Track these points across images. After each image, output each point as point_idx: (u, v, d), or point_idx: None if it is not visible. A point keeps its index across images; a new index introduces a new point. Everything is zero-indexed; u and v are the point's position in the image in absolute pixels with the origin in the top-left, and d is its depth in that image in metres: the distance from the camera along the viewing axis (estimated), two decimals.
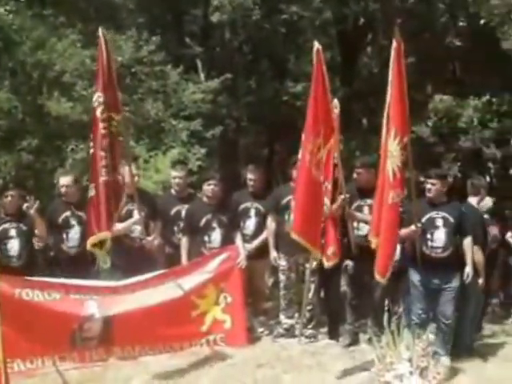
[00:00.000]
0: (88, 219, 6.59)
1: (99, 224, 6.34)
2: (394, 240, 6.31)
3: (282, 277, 7.50)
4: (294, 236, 6.57)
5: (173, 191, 7.92)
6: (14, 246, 7.05)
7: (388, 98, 6.17)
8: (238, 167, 13.12)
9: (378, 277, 6.27)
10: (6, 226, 7.08)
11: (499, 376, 6.40)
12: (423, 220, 6.65)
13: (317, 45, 6.46)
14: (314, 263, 7.10)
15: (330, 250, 6.73)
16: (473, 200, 7.23)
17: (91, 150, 6.52)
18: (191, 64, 12.90)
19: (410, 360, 5.08)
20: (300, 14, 9.19)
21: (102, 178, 6.34)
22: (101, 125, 6.35)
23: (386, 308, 7.36)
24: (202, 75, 12.75)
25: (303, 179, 6.58)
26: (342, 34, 12.94)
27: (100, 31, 6.40)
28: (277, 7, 9.38)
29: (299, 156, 6.59)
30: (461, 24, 9.56)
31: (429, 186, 6.70)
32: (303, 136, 6.56)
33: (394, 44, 6.04)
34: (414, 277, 6.78)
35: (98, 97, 6.39)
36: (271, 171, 13.86)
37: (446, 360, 6.52)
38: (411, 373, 5.02)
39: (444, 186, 6.76)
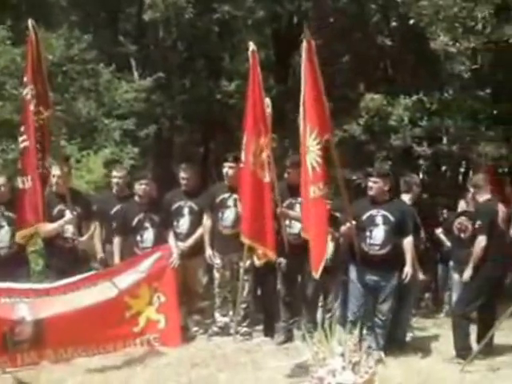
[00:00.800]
0: (20, 211, 6.52)
1: (36, 215, 6.35)
2: (323, 234, 6.31)
3: (216, 275, 7.51)
4: (244, 240, 6.63)
5: (114, 191, 7.86)
6: None
7: (302, 97, 6.16)
8: (173, 166, 13.03)
9: (313, 272, 6.29)
10: None
11: (430, 368, 6.54)
12: (363, 218, 6.74)
13: (252, 46, 6.50)
14: (248, 261, 7.13)
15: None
16: (405, 197, 7.35)
17: (25, 143, 6.43)
18: (125, 63, 12.78)
19: (342, 355, 5.10)
20: (232, 14, 9.18)
21: (38, 171, 6.34)
22: (34, 117, 6.31)
23: (321, 304, 7.52)
24: (136, 74, 12.64)
25: (249, 181, 6.64)
26: (276, 32, 13.01)
27: (30, 23, 6.29)
28: (210, 6, 9.35)
29: (242, 158, 6.62)
30: (392, 24, 9.71)
31: (370, 184, 6.78)
32: (244, 137, 6.61)
33: (305, 44, 6.05)
34: (352, 273, 6.86)
35: (29, 89, 6.32)
36: (207, 169, 13.85)
37: (379, 354, 6.63)
38: (344, 368, 5.03)
39: (386, 184, 6.83)
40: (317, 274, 6.24)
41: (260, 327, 7.72)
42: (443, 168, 12.58)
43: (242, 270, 7.18)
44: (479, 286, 6.90)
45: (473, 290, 7.01)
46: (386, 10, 9.47)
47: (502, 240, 6.91)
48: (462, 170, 13.47)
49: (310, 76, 6.10)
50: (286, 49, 13.18)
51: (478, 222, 7.02)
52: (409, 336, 7.59)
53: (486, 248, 6.78)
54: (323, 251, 6.24)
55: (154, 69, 12.25)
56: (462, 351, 6.76)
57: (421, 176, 11.83)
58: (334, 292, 7.41)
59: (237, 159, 7.17)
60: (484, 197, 7.05)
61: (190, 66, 13.70)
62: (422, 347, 7.30)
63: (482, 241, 6.80)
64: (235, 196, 7.25)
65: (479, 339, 6.94)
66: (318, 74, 6.12)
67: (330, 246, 7.46)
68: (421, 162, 10.84)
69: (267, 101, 6.90)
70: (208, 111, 12.99)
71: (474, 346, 6.85)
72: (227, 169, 7.39)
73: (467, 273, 6.98)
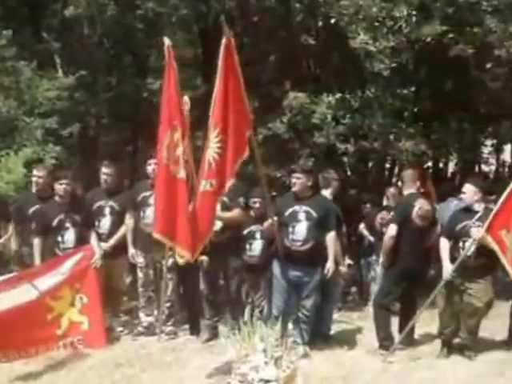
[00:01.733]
0: None
1: None
2: (205, 226, 6.27)
3: (140, 274, 7.47)
4: (157, 236, 6.56)
5: (34, 190, 7.72)
6: None
7: (215, 93, 6.15)
8: (100, 165, 12.83)
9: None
10: None
11: (354, 360, 6.70)
12: (286, 214, 6.79)
13: (167, 41, 6.48)
14: (171, 260, 7.11)
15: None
16: (326, 192, 7.46)
17: None
18: (49, 60, 12.50)
19: (264, 351, 5.14)
20: (156, 11, 9.11)
21: None
22: None
23: (250, 301, 7.56)
24: (61, 71, 12.38)
25: (162, 176, 6.60)
26: (203, 31, 12.97)
27: None
28: (133, 3, 9.25)
29: (158, 152, 6.58)
30: (316, 23, 9.81)
31: (294, 180, 6.83)
32: (160, 131, 6.56)
33: (225, 41, 6.04)
34: (276, 269, 6.91)
35: None
36: (135, 168, 13.70)
37: (304, 349, 6.70)
38: (266, 363, 5.08)
39: (309, 180, 6.91)
40: (181, 260, 6.38)
41: (186, 326, 7.71)
42: (370, 164, 12.79)
43: (164, 269, 7.16)
44: (396, 277, 7.08)
45: (390, 281, 7.19)
46: (310, 9, 9.55)
47: (418, 235, 7.04)
48: (388, 166, 13.77)
49: (228, 73, 6.08)
50: (214, 47, 13.15)
51: (392, 213, 7.34)
52: (334, 330, 7.71)
53: (399, 239, 6.94)
54: (202, 239, 6.25)
55: (78, 66, 12.03)
56: (385, 342, 6.93)
57: (349, 173, 12.08)
58: (263, 289, 7.48)
59: None
60: (408, 191, 7.25)
61: (117, 64, 13.53)
62: (346, 340, 7.44)
63: (391, 230, 6.99)
64: None
65: (401, 330, 7.12)
66: (237, 71, 6.11)
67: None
68: (344, 159, 11.02)
69: (186, 98, 6.90)
70: (135, 109, 12.86)
71: (397, 337, 7.01)
72: (150, 166, 7.34)
73: (381, 260, 7.23)
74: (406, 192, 7.29)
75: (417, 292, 7.35)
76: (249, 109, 6.31)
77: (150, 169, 7.33)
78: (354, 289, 10.39)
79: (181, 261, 6.78)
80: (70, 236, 7.11)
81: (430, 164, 15.95)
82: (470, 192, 6.69)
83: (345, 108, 9.26)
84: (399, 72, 10.12)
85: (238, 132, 6.14)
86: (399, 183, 7.43)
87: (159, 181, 6.67)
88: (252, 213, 7.45)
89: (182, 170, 6.50)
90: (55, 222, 7.10)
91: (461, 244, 6.54)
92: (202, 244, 6.30)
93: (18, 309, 6.54)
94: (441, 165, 18.79)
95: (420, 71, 10.92)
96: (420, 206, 6.99)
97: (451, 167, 19.84)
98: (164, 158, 6.57)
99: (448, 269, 6.51)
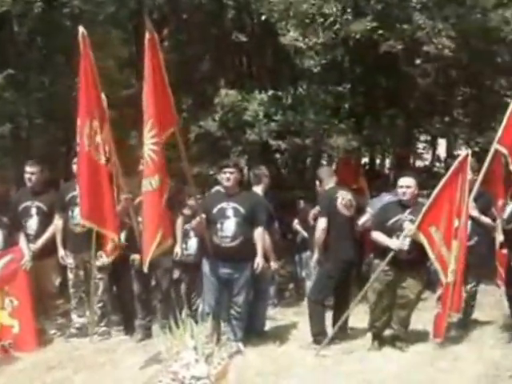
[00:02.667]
0: None
1: None
2: (154, 227, 6.27)
3: (70, 275, 7.37)
4: (84, 222, 6.56)
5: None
6: None
7: (144, 90, 6.15)
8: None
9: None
10: None
11: (287, 355, 6.74)
12: (214, 211, 6.77)
13: (81, 29, 6.45)
14: (101, 260, 7.06)
15: (110, 245, 6.73)
16: (257, 189, 7.50)
17: None
18: None
19: (195, 348, 5.14)
20: (82, 9, 8.98)
21: None
22: None
23: (186, 299, 7.54)
24: None
25: (84, 164, 6.59)
26: (137, 29, 12.84)
27: None
28: (59, 0, 9.09)
29: (77, 141, 6.53)
30: (248, 20, 9.83)
31: (227, 175, 6.79)
32: (78, 120, 6.53)
33: (148, 36, 6.03)
34: (206, 267, 6.89)
35: None
36: (70, 169, 13.48)
37: (237, 345, 6.73)
38: (197, 360, 5.07)
39: (239, 175, 6.96)
40: (145, 266, 6.27)
41: (120, 327, 7.65)
42: (308, 161, 12.88)
43: (94, 269, 7.10)
44: (328, 271, 7.17)
45: (323, 276, 7.28)
46: (241, 5, 9.56)
47: (347, 225, 7.19)
48: (325, 162, 13.90)
49: (153, 70, 6.06)
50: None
51: (317, 208, 7.45)
52: (268, 326, 7.75)
53: (329, 232, 7.05)
54: (152, 241, 6.22)
55: (8, 65, 11.78)
56: (318, 336, 6.98)
57: (282, 170, 12.15)
58: (198, 287, 7.47)
59: None
60: (327, 186, 7.37)
61: (49, 63, 13.29)
62: (281, 336, 7.45)
63: (320, 223, 7.10)
64: None
65: (334, 324, 7.19)
66: (161, 67, 6.11)
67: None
68: (277, 156, 11.08)
69: (102, 96, 6.86)
70: (68, 109, 12.65)
71: (330, 331, 7.08)
72: (75, 165, 7.23)
73: (314, 256, 7.29)
74: (326, 188, 7.42)
75: (351, 285, 7.48)
76: (174, 105, 6.29)
77: (75, 167, 7.25)
78: (291, 285, 10.44)
79: (107, 260, 6.71)
80: None
81: (366, 160, 16.20)
82: (409, 185, 6.71)
83: (277, 105, 9.29)
84: (334, 69, 10.22)
85: (164, 128, 6.17)
86: (316, 182, 7.59)
87: (82, 168, 6.66)
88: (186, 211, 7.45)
89: (102, 156, 6.56)
90: None
91: (394, 238, 6.59)
92: (154, 245, 6.23)
93: None
94: (378, 161, 19.12)
95: (355, 68, 11.05)
96: (342, 196, 7.18)
97: (388, 163, 20.17)
98: (86, 146, 6.56)
99: (395, 242, 6.52)
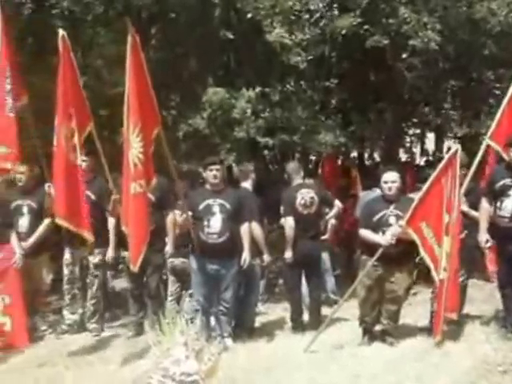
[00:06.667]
0: None
1: None
2: (143, 229, 6.37)
3: (65, 271, 7.43)
4: (59, 220, 6.59)
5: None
6: None
7: (127, 92, 6.17)
8: None
9: (131, 266, 6.39)
10: None
11: (276, 351, 6.77)
12: (200, 208, 6.77)
13: (61, 32, 6.51)
14: (98, 257, 7.11)
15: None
16: (246, 185, 7.58)
17: None
18: None
19: (185, 344, 5.19)
20: (71, 9, 8.98)
21: None
22: None
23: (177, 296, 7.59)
24: None
25: (62, 164, 6.60)
26: (126, 28, 12.82)
27: None
28: (48, 2, 9.05)
29: (54, 142, 6.58)
30: (234, 18, 9.83)
31: (214, 172, 6.80)
32: (56, 121, 6.56)
33: (130, 38, 6.08)
34: (193, 263, 6.89)
35: None
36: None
37: (227, 341, 6.80)
38: (187, 357, 5.13)
39: (224, 172, 7.06)
40: (135, 267, 6.34)
41: (112, 323, 7.72)
42: (297, 157, 12.92)
43: (91, 265, 7.15)
44: (290, 266, 7.55)
45: (287, 269, 7.70)
46: (228, 4, 9.56)
47: (305, 222, 7.47)
48: (313, 158, 13.96)
49: (135, 71, 6.10)
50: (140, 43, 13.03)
51: (281, 207, 7.70)
52: (258, 321, 7.82)
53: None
54: (141, 245, 6.31)
55: None
56: (296, 321, 7.50)
57: (270, 166, 12.20)
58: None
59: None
60: (295, 182, 7.66)
61: (40, 64, 13.29)
62: (270, 332, 7.52)
63: (288, 221, 7.42)
64: None
65: (310, 312, 7.57)
66: (143, 68, 6.15)
67: None
68: (265, 152, 11.11)
69: None
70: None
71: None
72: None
73: (287, 253, 7.49)
74: (294, 184, 7.63)
75: (321, 276, 7.95)
76: (157, 106, 6.32)
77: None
78: (280, 281, 10.46)
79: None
80: None
81: (355, 154, 16.21)
82: (394, 180, 6.67)
83: (264, 102, 9.31)
84: (321, 65, 10.25)
85: (150, 131, 6.24)
86: (285, 176, 7.73)
87: (59, 168, 6.66)
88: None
89: (78, 157, 6.65)
90: None
91: (380, 234, 6.55)
92: (144, 247, 6.31)
93: None
94: (366, 155, 19.15)
95: (342, 63, 11.08)
96: (302, 196, 7.43)
97: (378, 157, 20.16)
98: (63, 146, 6.60)
99: (384, 238, 6.49)
